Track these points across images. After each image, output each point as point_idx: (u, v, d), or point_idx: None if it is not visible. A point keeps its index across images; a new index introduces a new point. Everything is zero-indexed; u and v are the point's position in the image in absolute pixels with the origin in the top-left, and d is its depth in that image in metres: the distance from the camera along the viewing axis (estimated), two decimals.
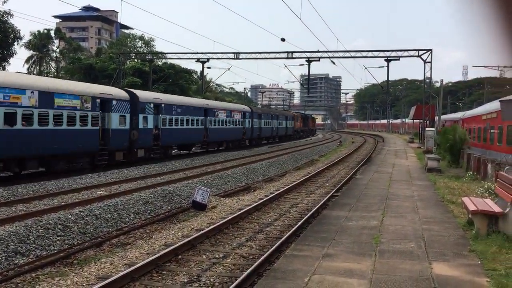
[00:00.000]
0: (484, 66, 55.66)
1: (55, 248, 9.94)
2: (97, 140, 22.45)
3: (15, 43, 47.34)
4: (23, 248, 9.48)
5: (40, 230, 10.38)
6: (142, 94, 27.24)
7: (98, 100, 22.45)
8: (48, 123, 19.28)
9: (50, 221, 10.98)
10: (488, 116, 23.76)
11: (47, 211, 12.39)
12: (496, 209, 8.74)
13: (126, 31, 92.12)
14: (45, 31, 65.21)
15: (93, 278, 7.78)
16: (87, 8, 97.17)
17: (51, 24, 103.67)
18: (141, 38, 70.34)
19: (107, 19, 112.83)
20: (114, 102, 23.71)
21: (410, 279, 6.33)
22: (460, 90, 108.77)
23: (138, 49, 69.51)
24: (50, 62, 67.57)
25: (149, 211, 13.80)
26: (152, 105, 27.51)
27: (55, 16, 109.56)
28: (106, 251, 9.94)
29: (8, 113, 17.34)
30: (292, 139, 64.36)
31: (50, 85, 20.14)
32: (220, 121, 37.64)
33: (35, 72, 63.00)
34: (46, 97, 19.22)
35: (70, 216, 11.56)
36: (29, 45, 63.60)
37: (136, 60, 57.99)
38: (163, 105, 28.68)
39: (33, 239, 9.94)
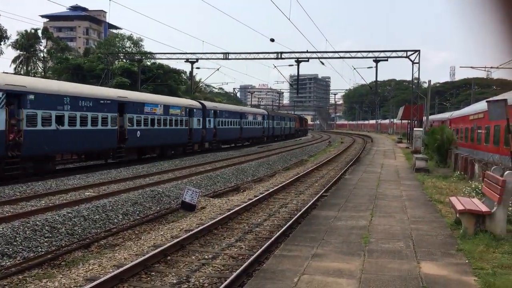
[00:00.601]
0: (471, 67, 56.22)
1: (43, 249, 9.84)
2: (186, 136, 33.01)
3: (2, 43, 46.92)
4: (10, 250, 9.38)
5: (27, 232, 10.28)
6: (207, 103, 37.83)
7: (187, 109, 33.05)
8: (166, 124, 29.99)
9: (37, 222, 10.88)
10: (475, 116, 23.99)
11: (34, 212, 12.26)
12: (483, 208, 8.82)
13: (114, 31, 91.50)
14: (33, 30, 64.55)
15: (81, 280, 7.72)
16: (75, 8, 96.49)
17: (39, 23, 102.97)
18: (130, 38, 69.94)
19: (95, 18, 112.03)
20: (194, 110, 34.12)
21: (399, 278, 6.36)
22: (447, 90, 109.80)
23: (126, 49, 69.10)
24: (37, 62, 66.91)
25: (138, 212, 13.73)
26: (212, 111, 37.64)
27: (43, 16, 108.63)
28: (94, 252, 9.87)
29: (151, 119, 27.94)
30: (294, 137, 74.34)
31: (168, 101, 31.57)
32: (249, 122, 48.24)
33: (22, 72, 62.33)
34: (166, 108, 30.03)
35: (57, 218, 11.46)
36: (16, 45, 62.93)
37: (124, 60, 57.66)
38: (218, 111, 38.97)
39: (20, 240, 9.84)
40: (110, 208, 13.21)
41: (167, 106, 29.95)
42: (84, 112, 21.57)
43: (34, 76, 57.88)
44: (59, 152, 22.41)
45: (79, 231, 11.27)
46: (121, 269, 7.68)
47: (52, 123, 19.64)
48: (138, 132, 26.36)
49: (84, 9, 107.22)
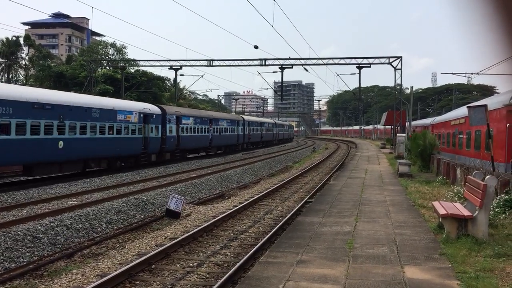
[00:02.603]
0: (452, 73, 57.07)
1: (24, 260, 9.69)
2: (242, 138, 49.17)
3: None
4: None
5: (9, 242, 10.11)
6: (246, 117, 51.33)
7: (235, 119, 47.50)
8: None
9: (19, 232, 10.71)
10: (457, 121, 24.34)
11: (16, 222, 12.07)
12: (465, 212, 8.93)
13: (97, 38, 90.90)
14: (14, 38, 63.85)
15: None
16: (57, 15, 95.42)
17: (20, 31, 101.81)
18: (113, 45, 69.55)
19: (77, 26, 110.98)
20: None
21: (383, 283, 6.40)
22: (429, 96, 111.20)
23: (109, 56, 68.70)
24: (19, 70, 66.13)
25: (121, 220, 13.60)
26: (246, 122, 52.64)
27: (24, 23, 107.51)
28: (77, 262, 9.74)
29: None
30: (291, 141, 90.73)
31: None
32: (280, 129, 64.93)
33: (3, 80, 61.50)
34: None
35: (39, 227, 11.30)
36: None
37: (107, 67, 57.28)
38: (248, 121, 53.22)
39: (1, 251, 9.67)
40: (93, 216, 13.07)
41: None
42: None
43: (16, 83, 57.11)
44: None
45: (62, 241, 11.12)
46: (104, 279, 7.60)
47: None
48: None
49: (67, 16, 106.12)
